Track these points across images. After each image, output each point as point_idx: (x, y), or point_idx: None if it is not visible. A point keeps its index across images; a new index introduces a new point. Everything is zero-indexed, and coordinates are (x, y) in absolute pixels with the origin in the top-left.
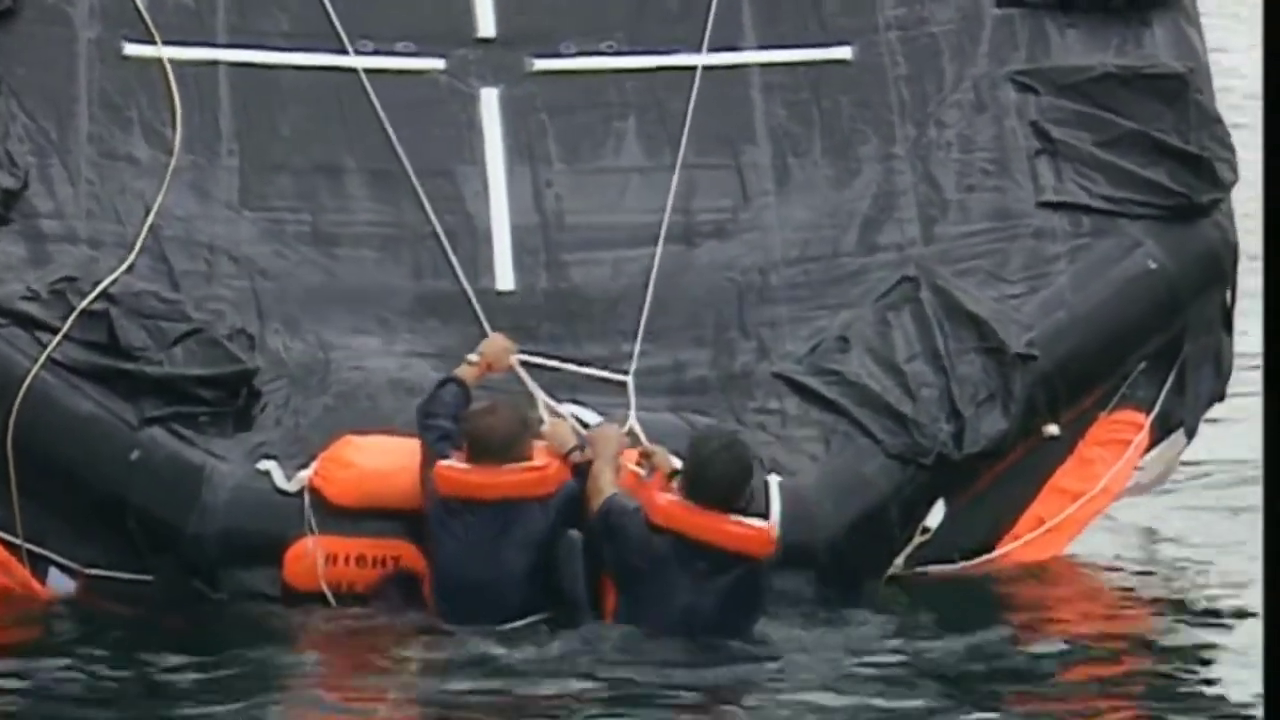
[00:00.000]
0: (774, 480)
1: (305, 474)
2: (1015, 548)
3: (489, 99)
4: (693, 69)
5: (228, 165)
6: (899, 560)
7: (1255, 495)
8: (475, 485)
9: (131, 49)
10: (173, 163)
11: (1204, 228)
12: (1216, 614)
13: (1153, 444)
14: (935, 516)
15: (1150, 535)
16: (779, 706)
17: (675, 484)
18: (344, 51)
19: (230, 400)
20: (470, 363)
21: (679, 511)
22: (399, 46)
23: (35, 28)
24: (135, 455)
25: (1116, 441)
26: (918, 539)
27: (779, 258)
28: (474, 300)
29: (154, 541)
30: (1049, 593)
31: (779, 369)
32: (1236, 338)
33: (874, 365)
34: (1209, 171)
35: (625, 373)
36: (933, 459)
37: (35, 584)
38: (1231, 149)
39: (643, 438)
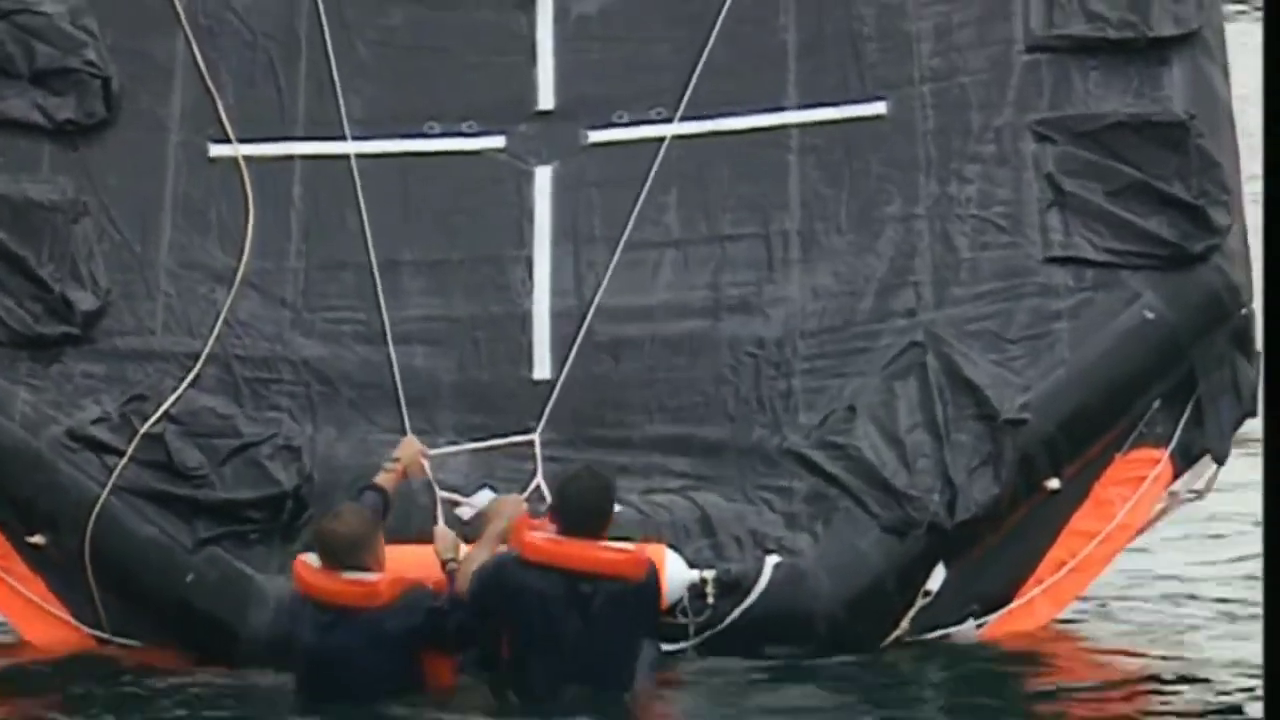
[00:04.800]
0: (770, 560)
1: None
2: (1037, 593)
3: (543, 178)
4: (740, 132)
5: (294, 267)
6: (904, 624)
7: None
8: (316, 587)
9: (215, 150)
10: (240, 270)
11: (1202, 273)
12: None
13: (1175, 476)
14: (935, 580)
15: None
16: None
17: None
18: (412, 135)
19: (275, 518)
20: (387, 469)
21: (548, 545)
22: (464, 126)
23: (130, 134)
24: (190, 578)
25: (1134, 480)
26: (920, 602)
27: (798, 329)
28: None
29: (215, 649)
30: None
31: (790, 445)
32: None
33: (877, 436)
34: (1203, 219)
35: (532, 434)
36: (925, 529)
37: None
38: (1229, 191)
39: (549, 497)
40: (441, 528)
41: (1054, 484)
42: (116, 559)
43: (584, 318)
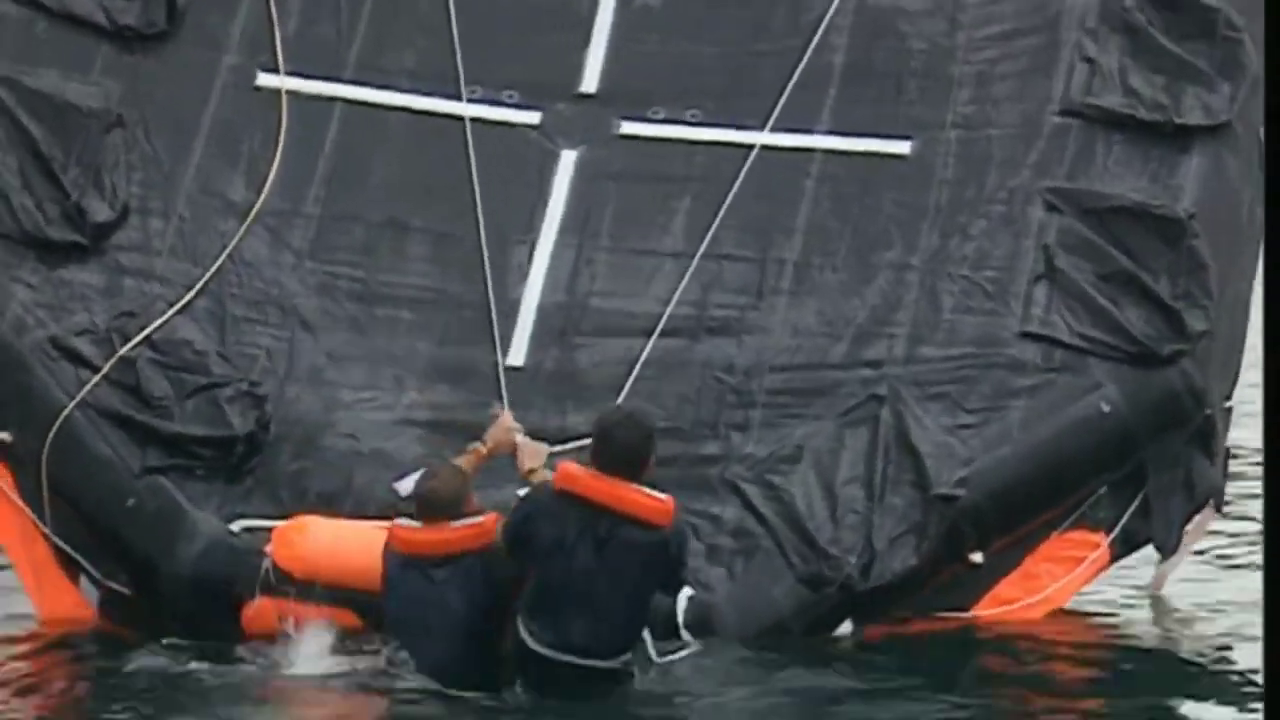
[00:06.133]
0: (684, 593)
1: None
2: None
3: (566, 163)
4: (764, 148)
5: (309, 213)
6: None
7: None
8: (424, 543)
9: (263, 79)
10: (257, 206)
11: (1167, 374)
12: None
13: (1112, 560)
14: (843, 630)
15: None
16: None
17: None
18: (455, 96)
19: (223, 458)
20: (470, 450)
21: (583, 476)
22: (505, 96)
23: (187, 50)
24: (131, 502)
25: (1067, 559)
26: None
27: (769, 362)
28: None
29: (137, 582)
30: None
31: (730, 474)
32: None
33: (814, 483)
34: (1178, 323)
35: None
36: (837, 589)
37: (67, 587)
38: (1211, 295)
39: None
40: (526, 439)
41: (977, 558)
42: (70, 471)
43: (570, 310)
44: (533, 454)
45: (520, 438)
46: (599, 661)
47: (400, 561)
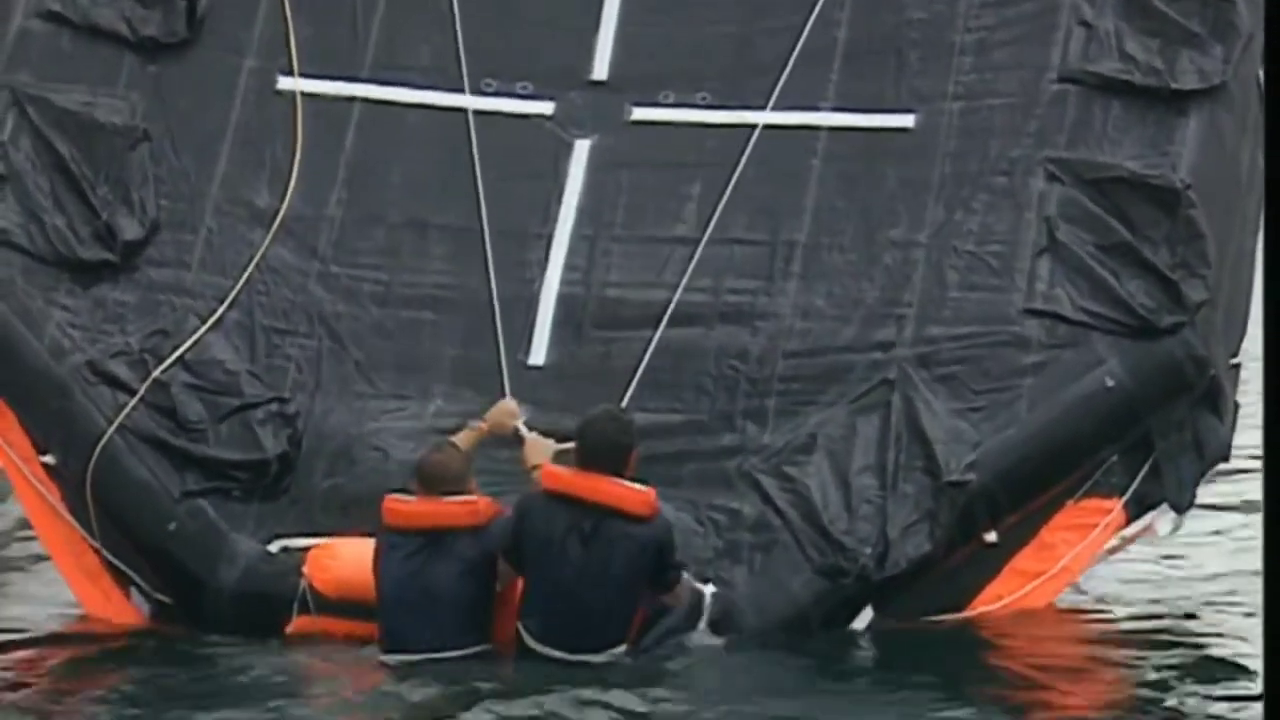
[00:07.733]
0: (708, 590)
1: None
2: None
3: (580, 152)
4: (770, 127)
5: (332, 215)
6: None
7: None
8: (414, 514)
9: (283, 82)
10: (280, 214)
11: (1168, 344)
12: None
13: (1128, 523)
14: (862, 620)
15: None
16: None
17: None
18: (468, 91)
19: (257, 480)
20: (470, 428)
21: (566, 475)
22: (518, 87)
23: (209, 56)
24: (173, 526)
25: (1082, 526)
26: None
27: (781, 348)
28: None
29: (181, 601)
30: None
31: (748, 466)
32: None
33: (828, 473)
34: (1176, 294)
35: None
36: (853, 579)
37: (119, 597)
38: (1209, 264)
39: None
40: (533, 435)
41: (991, 537)
42: (111, 495)
43: (588, 303)
44: (538, 450)
45: (527, 434)
46: (588, 656)
47: (389, 536)
